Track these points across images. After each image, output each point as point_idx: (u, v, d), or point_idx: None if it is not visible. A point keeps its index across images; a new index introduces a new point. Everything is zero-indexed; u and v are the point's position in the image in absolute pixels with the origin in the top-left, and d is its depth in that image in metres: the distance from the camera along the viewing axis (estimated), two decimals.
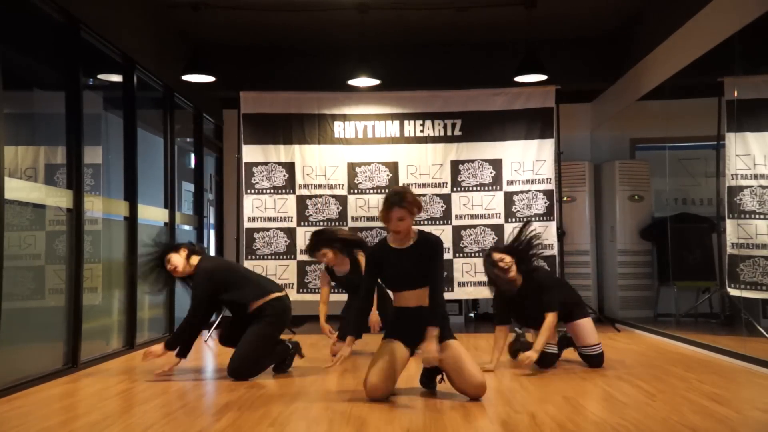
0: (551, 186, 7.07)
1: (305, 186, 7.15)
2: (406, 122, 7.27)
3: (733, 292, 6.14)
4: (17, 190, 4.32)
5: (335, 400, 3.90)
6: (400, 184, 7.15)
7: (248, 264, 7.03)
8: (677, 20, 6.07)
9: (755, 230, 6.05)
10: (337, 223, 7.10)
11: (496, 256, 4.70)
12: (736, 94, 6.05)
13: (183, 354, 4.63)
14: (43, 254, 4.76)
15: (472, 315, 8.25)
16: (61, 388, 4.32)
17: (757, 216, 6.08)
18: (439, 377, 3.96)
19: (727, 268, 6.15)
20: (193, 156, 8.21)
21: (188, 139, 8.12)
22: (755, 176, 6.14)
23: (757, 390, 4.07)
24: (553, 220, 7.04)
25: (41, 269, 4.76)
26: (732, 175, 6.22)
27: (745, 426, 3.25)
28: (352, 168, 7.19)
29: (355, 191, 7.16)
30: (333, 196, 7.14)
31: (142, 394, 4.08)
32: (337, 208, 7.12)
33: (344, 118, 7.26)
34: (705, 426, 3.18)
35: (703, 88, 6.94)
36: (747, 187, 6.19)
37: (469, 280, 7.05)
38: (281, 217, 7.12)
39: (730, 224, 6.16)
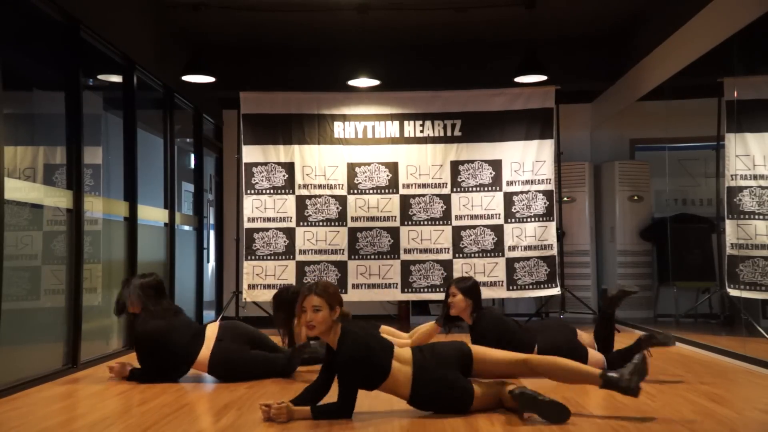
0: (551, 186, 7.08)
1: (305, 186, 7.15)
2: (405, 122, 7.29)
3: (733, 292, 6.15)
4: (16, 190, 4.32)
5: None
6: (400, 184, 7.19)
7: (248, 264, 7.03)
8: (677, 20, 6.08)
9: (754, 231, 6.07)
10: (336, 223, 7.10)
11: (452, 290, 4.63)
12: (736, 94, 6.06)
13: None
14: (40, 254, 4.76)
15: None
16: (61, 389, 4.32)
17: (756, 216, 6.10)
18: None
19: (726, 269, 6.16)
20: (193, 156, 8.21)
21: (188, 140, 8.13)
22: (755, 177, 6.16)
23: (757, 390, 4.08)
24: (553, 220, 7.05)
25: (37, 270, 4.76)
26: (731, 175, 6.23)
27: (745, 427, 3.25)
28: (351, 168, 7.19)
29: (355, 191, 7.16)
30: (332, 197, 7.14)
31: (141, 394, 4.07)
32: (337, 208, 7.13)
33: (344, 118, 7.28)
34: (705, 426, 3.18)
35: (703, 89, 6.96)
36: (746, 187, 6.20)
37: None
38: (281, 218, 7.13)
39: (729, 225, 6.18)
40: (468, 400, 3.40)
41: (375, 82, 7.25)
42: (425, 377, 3.40)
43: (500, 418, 3.35)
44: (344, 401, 3.33)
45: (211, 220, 9.07)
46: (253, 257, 7.06)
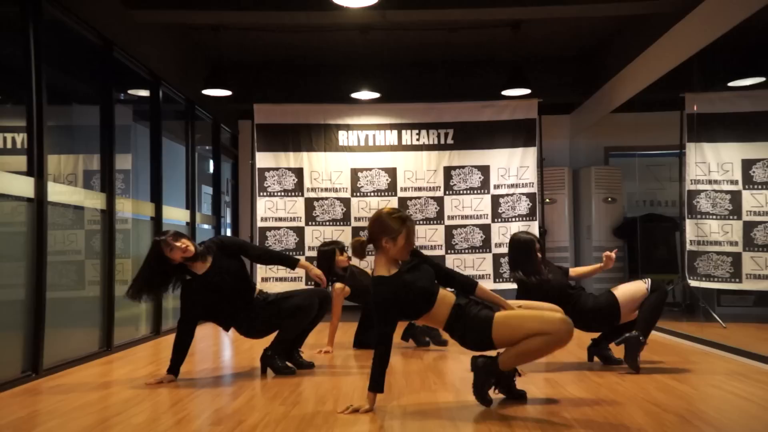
0: (534, 189, 7.13)
1: (312, 189, 7.21)
2: (403, 132, 7.32)
3: (693, 283, 6.28)
4: (60, 193, 4.44)
5: (341, 376, 3.98)
6: (398, 188, 7.22)
7: None
8: (645, 42, 6.16)
9: (709, 229, 6.20)
10: (341, 223, 7.19)
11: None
12: (695, 108, 6.17)
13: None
14: (83, 250, 4.86)
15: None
16: (98, 369, 4.42)
17: (710, 216, 6.24)
18: (494, 388, 3.30)
19: (687, 263, 6.29)
20: (211, 162, 8.27)
21: (207, 147, 8.18)
22: (709, 182, 6.30)
23: (712, 369, 4.15)
24: (536, 220, 7.09)
25: (81, 264, 4.86)
26: (691, 180, 6.37)
27: (701, 401, 3.36)
28: (354, 173, 7.25)
29: (358, 194, 7.23)
30: (338, 199, 7.21)
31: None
32: (342, 209, 7.21)
33: (348, 127, 7.31)
34: (668, 401, 3.28)
35: (668, 103, 7.01)
36: (703, 191, 6.35)
37: None
38: (291, 218, 7.18)
39: (689, 224, 6.31)
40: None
41: (376, 95, 7.33)
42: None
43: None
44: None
45: (228, 220, 9.11)
46: None
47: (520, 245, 4.24)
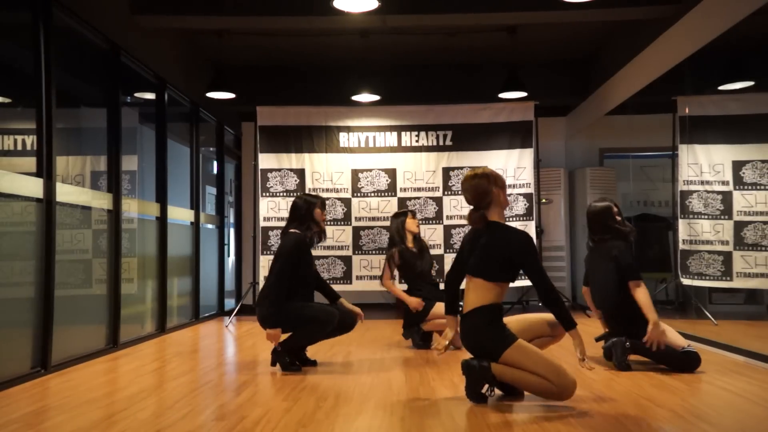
0: (530, 190, 7.14)
1: (314, 190, 7.19)
2: (403, 133, 7.33)
3: (685, 281, 6.30)
4: (68, 194, 4.45)
5: (343, 373, 4.00)
6: (398, 188, 7.22)
7: (264, 258, 7.12)
8: (638, 46, 6.18)
9: (701, 228, 6.23)
10: (342, 223, 7.20)
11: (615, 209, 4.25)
12: (687, 111, 6.19)
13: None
14: (90, 249, 4.88)
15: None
16: (104, 365, 4.43)
17: (702, 216, 6.27)
18: (486, 388, 3.25)
19: (679, 262, 6.32)
20: (215, 163, 8.28)
21: (211, 149, 8.20)
22: (702, 182, 6.33)
23: (703, 365, 4.15)
24: (533, 219, 7.11)
25: (89, 262, 4.88)
26: (683, 181, 6.40)
27: (693, 396, 3.38)
28: (355, 174, 7.26)
29: (358, 195, 7.23)
30: (339, 199, 7.21)
31: (172, 371, 4.19)
32: (342, 209, 7.21)
33: (348, 129, 7.31)
34: (660, 396, 3.31)
35: (660, 105, 7.03)
36: (695, 191, 6.37)
37: None
38: None
39: (681, 223, 6.34)
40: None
41: (376, 98, 7.33)
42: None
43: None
44: None
45: (231, 220, 9.13)
46: (268, 252, 7.12)
47: (595, 213, 4.25)
